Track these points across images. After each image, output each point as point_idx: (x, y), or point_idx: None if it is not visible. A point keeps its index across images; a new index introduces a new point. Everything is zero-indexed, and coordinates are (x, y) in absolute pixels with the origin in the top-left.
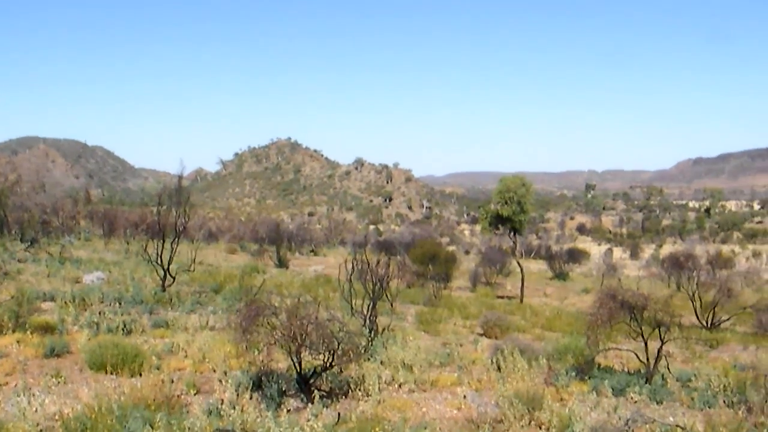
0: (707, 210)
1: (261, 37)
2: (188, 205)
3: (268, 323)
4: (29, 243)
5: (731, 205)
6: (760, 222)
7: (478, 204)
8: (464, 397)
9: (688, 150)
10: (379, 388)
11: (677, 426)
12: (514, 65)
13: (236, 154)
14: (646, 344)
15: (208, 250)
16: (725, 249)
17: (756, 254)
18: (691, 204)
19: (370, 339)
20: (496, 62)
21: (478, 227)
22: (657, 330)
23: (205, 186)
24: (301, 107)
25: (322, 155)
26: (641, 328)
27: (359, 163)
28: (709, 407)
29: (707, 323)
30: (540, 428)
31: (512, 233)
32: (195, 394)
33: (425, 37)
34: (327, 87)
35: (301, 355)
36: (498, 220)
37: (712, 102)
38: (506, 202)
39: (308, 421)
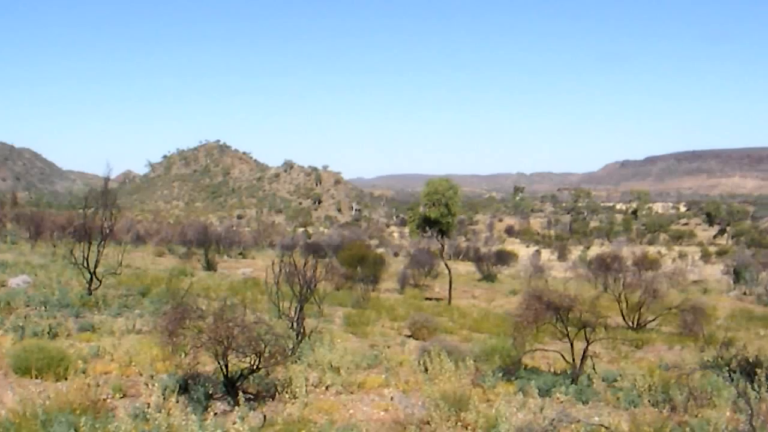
0: (634, 212)
1: (189, 39)
2: (115, 207)
3: (194, 326)
4: None
5: (658, 207)
6: (686, 224)
7: (407, 206)
8: (391, 398)
9: (616, 153)
10: (306, 390)
11: (602, 425)
12: (443, 67)
13: (165, 157)
14: (572, 345)
15: (135, 253)
16: (652, 250)
17: (682, 255)
18: (618, 206)
19: (297, 341)
20: (424, 64)
21: (407, 229)
22: (583, 330)
23: (134, 188)
24: (230, 109)
25: (251, 158)
26: (567, 329)
27: (288, 166)
28: (634, 406)
29: (633, 324)
30: (466, 429)
31: (440, 235)
32: (121, 398)
33: (353, 39)
34: (256, 89)
35: (228, 358)
36: (426, 223)
37: (639, 106)
38: (434, 205)
39: (234, 424)
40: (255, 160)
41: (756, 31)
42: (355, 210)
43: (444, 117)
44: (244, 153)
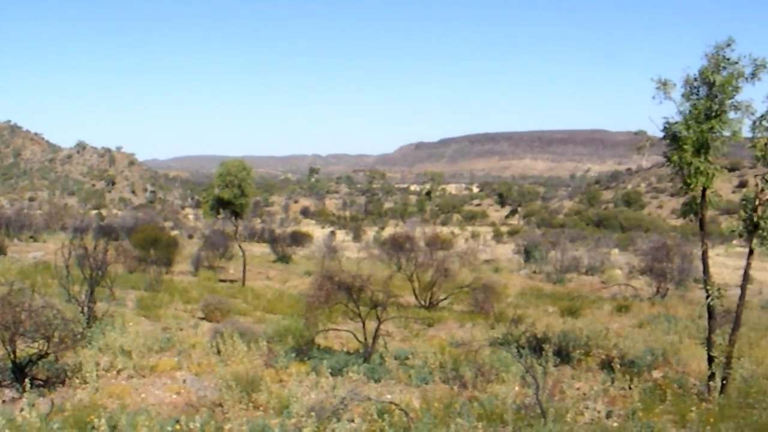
0: (428, 193)
1: None
2: None
3: None
4: None
5: (451, 188)
6: (479, 204)
7: (202, 188)
8: (184, 381)
9: (410, 135)
10: (96, 375)
11: (392, 403)
12: (238, 49)
13: None
14: (364, 324)
15: None
16: (445, 231)
17: (474, 235)
18: (412, 187)
19: (87, 325)
20: (218, 45)
21: (201, 211)
22: (375, 310)
23: None
24: (21, 88)
25: (43, 138)
26: (359, 309)
27: (81, 147)
28: (425, 384)
29: (426, 303)
30: (258, 410)
31: (234, 217)
32: None
33: (146, 18)
34: (47, 67)
35: (16, 344)
36: (220, 204)
37: (433, 89)
38: (227, 186)
39: (22, 411)
40: (47, 141)
41: (541, 19)
42: (150, 192)
43: (240, 98)
44: (35, 134)
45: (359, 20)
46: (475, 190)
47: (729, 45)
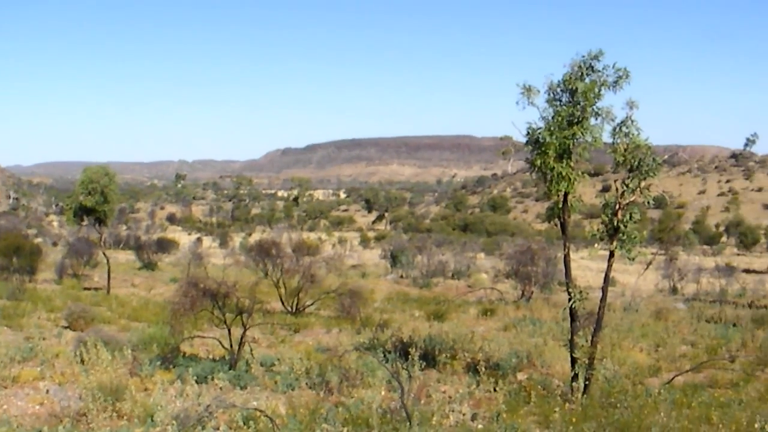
0: (295, 199)
1: None
2: None
3: None
4: None
5: (318, 194)
6: (346, 210)
7: (66, 195)
8: (47, 391)
9: (278, 140)
10: None
11: (258, 410)
12: (104, 54)
13: None
14: (229, 331)
15: None
16: (312, 236)
17: (341, 241)
18: (280, 193)
19: None
20: (84, 50)
21: (65, 218)
22: (240, 316)
23: None
24: None
25: None
26: (225, 315)
27: None
28: (291, 390)
29: (292, 308)
30: (123, 419)
31: (98, 224)
32: None
33: (5, 22)
34: None
35: None
36: (83, 211)
37: (300, 94)
38: (90, 193)
39: None
40: None
41: (404, 25)
42: (13, 198)
43: (105, 103)
44: None
45: (224, 24)
46: (342, 195)
47: (597, 56)
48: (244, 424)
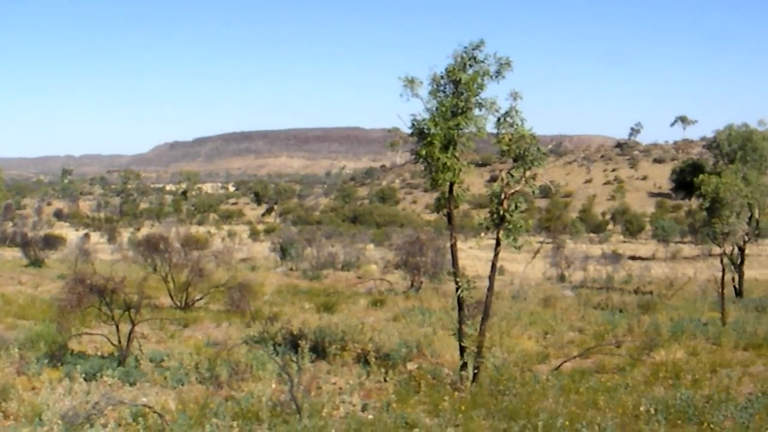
0: (184, 193)
1: None
2: None
3: None
4: None
5: (207, 187)
6: (236, 203)
7: None
8: None
9: (165, 134)
10: None
11: (147, 406)
12: None
13: None
14: (117, 327)
15: None
16: (202, 230)
17: (231, 234)
18: (168, 187)
19: None
20: None
21: None
22: (128, 312)
23: None
24: None
25: None
26: (113, 312)
27: None
28: (181, 385)
29: (182, 303)
30: (9, 419)
31: None
32: None
33: None
34: None
35: None
36: None
37: (187, 87)
38: None
39: None
40: None
41: (292, 16)
42: None
43: None
44: None
45: (109, 17)
46: (232, 189)
47: (478, 47)
48: (134, 420)
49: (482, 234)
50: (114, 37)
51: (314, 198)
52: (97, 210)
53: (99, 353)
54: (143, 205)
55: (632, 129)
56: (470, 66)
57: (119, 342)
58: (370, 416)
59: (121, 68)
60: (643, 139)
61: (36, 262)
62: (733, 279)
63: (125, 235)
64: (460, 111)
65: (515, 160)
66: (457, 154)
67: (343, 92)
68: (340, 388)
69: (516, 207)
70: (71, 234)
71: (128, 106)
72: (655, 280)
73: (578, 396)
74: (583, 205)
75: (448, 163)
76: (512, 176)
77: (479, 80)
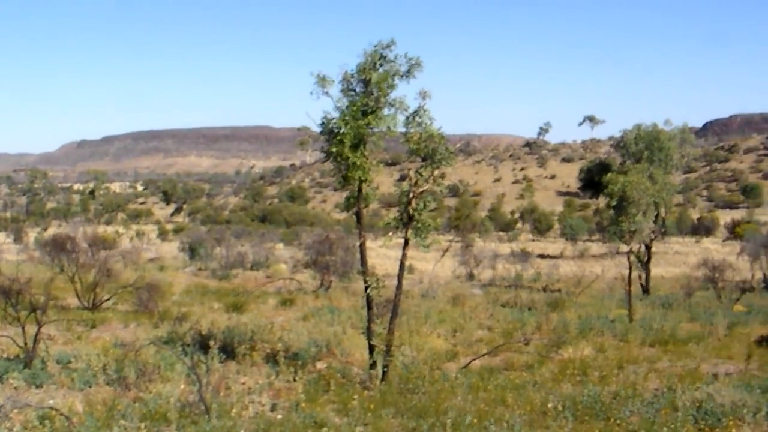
0: (92, 192)
1: None
2: None
3: None
4: None
5: (116, 186)
6: (144, 202)
7: None
8: None
9: (73, 133)
10: None
11: (53, 409)
12: None
13: None
14: (23, 328)
15: None
16: (110, 230)
17: (139, 234)
18: (76, 186)
19: None
20: None
21: None
22: (34, 313)
23: None
24: None
25: None
26: (18, 313)
27: None
28: (89, 387)
29: (89, 304)
30: None
31: None
32: None
33: None
34: None
35: None
36: None
37: (95, 85)
38: None
39: None
40: None
41: (200, 15)
42: None
43: None
44: None
45: (11, 15)
46: (140, 188)
47: (389, 46)
48: (40, 423)
49: (390, 233)
50: (20, 35)
51: (223, 197)
52: (3, 210)
53: (4, 355)
54: (50, 205)
55: (541, 128)
56: (381, 65)
57: (25, 344)
58: (279, 416)
59: (28, 65)
60: (552, 138)
61: None
62: (640, 276)
63: (32, 235)
64: (370, 110)
65: (424, 159)
66: (366, 153)
67: (252, 91)
68: (250, 388)
69: (424, 206)
70: None
71: (35, 104)
72: (564, 278)
73: (487, 393)
74: (492, 203)
75: (358, 162)
76: (421, 175)
77: (390, 80)
